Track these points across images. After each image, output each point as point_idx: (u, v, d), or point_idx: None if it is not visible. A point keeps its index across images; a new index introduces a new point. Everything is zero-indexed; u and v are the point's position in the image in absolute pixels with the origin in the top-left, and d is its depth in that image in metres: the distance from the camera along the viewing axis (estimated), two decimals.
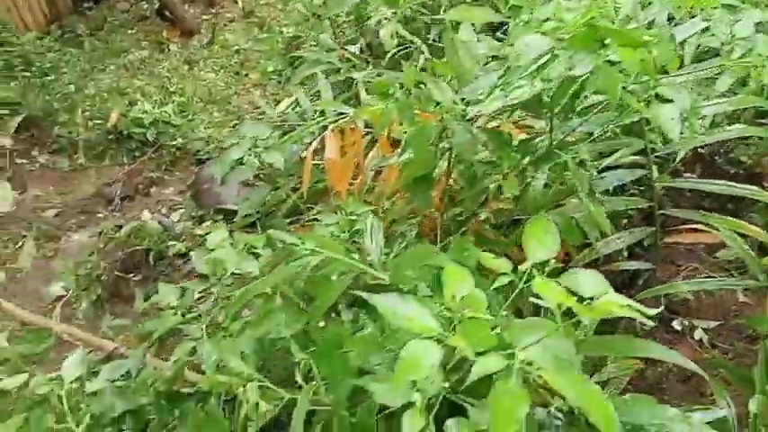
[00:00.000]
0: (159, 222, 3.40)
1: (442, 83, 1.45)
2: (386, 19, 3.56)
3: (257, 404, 1.44)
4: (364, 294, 1.06)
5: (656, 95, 1.21)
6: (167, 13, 5.92)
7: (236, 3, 6.19)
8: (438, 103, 1.48)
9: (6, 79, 4.79)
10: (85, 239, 3.74)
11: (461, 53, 1.41)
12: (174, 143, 4.47)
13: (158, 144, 4.48)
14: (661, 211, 1.97)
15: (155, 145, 4.48)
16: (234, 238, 1.75)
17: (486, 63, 1.47)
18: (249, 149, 2.19)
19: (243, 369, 1.46)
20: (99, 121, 4.48)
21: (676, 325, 2.30)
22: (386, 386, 1.03)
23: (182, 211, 3.78)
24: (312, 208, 2.53)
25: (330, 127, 1.95)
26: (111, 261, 3.23)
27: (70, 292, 3.27)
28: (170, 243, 3.30)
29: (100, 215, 4.00)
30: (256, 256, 1.71)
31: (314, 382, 1.38)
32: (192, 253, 3.36)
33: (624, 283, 2.19)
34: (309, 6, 4.82)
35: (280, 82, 5.17)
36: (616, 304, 0.83)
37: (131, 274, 3.21)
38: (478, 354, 0.95)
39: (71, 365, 1.86)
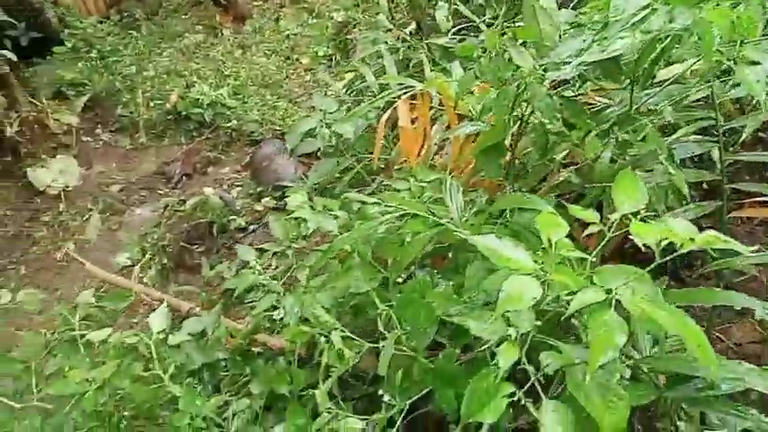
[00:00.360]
0: (221, 198, 3.54)
1: (522, 48, 1.50)
2: (442, 0, 3.61)
3: (340, 352, 1.53)
4: (466, 235, 1.12)
5: (742, 58, 1.24)
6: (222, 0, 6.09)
7: None
8: (517, 68, 1.53)
9: (73, 61, 5.03)
10: (148, 214, 3.92)
11: (542, 18, 1.45)
12: (229, 124, 4.62)
13: (215, 125, 4.64)
14: (729, 185, 1.98)
15: (211, 126, 4.64)
16: (313, 202, 1.84)
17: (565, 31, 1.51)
18: (320, 121, 2.29)
19: (327, 318, 1.55)
20: (159, 102, 4.66)
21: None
22: (481, 323, 1.09)
23: (239, 188, 3.92)
24: (374, 180, 2.61)
25: (402, 98, 2.01)
26: (176, 233, 3.39)
27: (139, 263, 3.44)
28: (231, 217, 3.44)
29: (160, 192, 4.19)
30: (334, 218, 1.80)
31: (395, 331, 1.46)
32: (251, 226, 3.51)
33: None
34: None
35: (330, 66, 5.27)
36: (717, 238, 0.88)
37: (195, 246, 3.37)
38: (570, 293, 1.02)
39: (156, 319, 1.99)
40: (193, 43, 5.68)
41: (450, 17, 3.60)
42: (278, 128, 4.59)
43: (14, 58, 4.11)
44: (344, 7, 5.39)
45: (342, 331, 1.56)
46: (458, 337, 1.47)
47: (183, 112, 4.60)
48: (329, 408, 1.49)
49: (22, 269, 3.65)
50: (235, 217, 3.45)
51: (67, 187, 4.11)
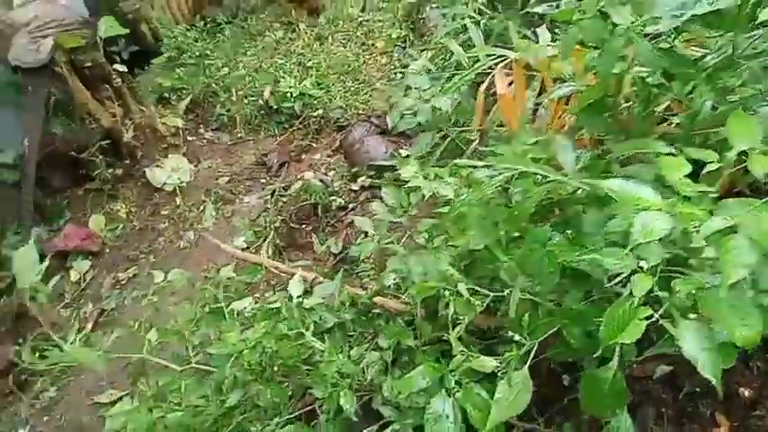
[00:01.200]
0: (321, 180, 3.81)
1: (619, 5, 1.58)
2: None
3: (469, 301, 1.69)
4: (591, 182, 1.25)
5: None
6: None
7: None
8: (615, 26, 1.61)
9: (170, 68, 5.47)
10: (255, 201, 4.26)
11: None
12: (316, 114, 4.88)
13: (304, 115, 4.92)
14: None
15: (300, 116, 4.93)
16: (425, 170, 2.01)
17: None
18: (419, 98, 2.45)
19: (453, 272, 1.72)
20: (252, 98, 5.00)
21: None
22: (613, 259, 1.21)
23: (334, 171, 4.17)
24: (467, 149, 2.73)
25: (498, 67, 2.13)
26: (284, 215, 3.69)
27: (254, 245, 3.77)
28: (331, 198, 3.69)
29: (263, 180, 4.53)
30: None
31: (520, 277, 1.60)
32: (350, 204, 3.74)
33: None
34: None
35: (404, 47, 5.41)
36: None
37: (303, 225, 3.66)
38: (697, 225, 1.12)
39: (294, 286, 2.25)
40: (274, 40, 5.98)
41: None
42: (361, 112, 4.81)
43: (125, 70, 4.56)
44: None
45: (466, 284, 1.73)
46: (578, 281, 1.59)
47: (275, 106, 4.92)
48: (461, 350, 1.66)
49: (151, 257, 4.10)
50: (335, 197, 3.70)
51: (182, 183, 4.53)
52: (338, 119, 4.82)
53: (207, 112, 5.13)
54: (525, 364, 1.50)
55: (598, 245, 1.43)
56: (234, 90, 5.11)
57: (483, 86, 2.22)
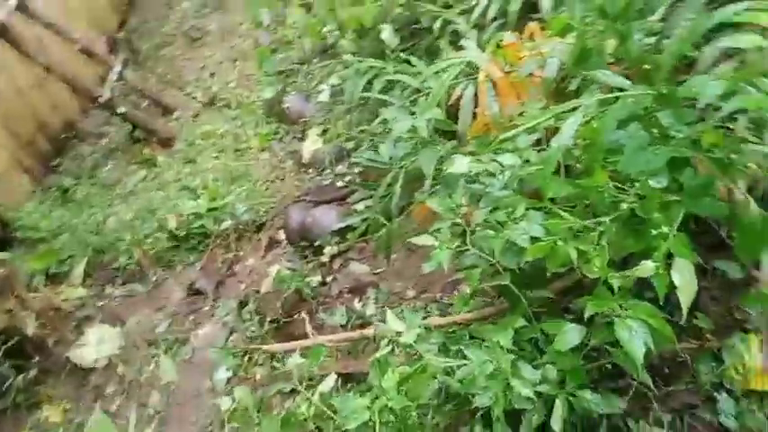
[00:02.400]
0: (288, 268, 3.61)
1: None
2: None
3: None
4: None
5: None
6: (140, 134, 6.10)
7: (194, 98, 6.45)
8: None
9: (36, 247, 4.81)
10: (212, 329, 3.87)
11: None
12: (227, 225, 4.64)
13: (214, 232, 4.63)
14: None
15: (211, 234, 4.62)
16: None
17: None
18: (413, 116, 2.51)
19: None
20: (154, 235, 4.60)
21: None
22: None
23: (290, 260, 3.96)
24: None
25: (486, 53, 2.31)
26: (271, 315, 3.39)
27: (241, 368, 3.37)
28: (307, 279, 3.51)
29: (206, 308, 4.12)
30: None
31: None
32: (328, 278, 3.56)
33: None
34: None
35: (281, 138, 5.45)
36: None
37: (296, 316, 3.38)
38: None
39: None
40: (138, 180, 5.62)
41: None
42: (273, 206, 4.69)
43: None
44: (269, 83, 5.65)
45: None
46: None
47: (183, 233, 4.58)
48: None
49: None
50: (310, 277, 3.51)
51: (115, 351, 3.92)
52: (253, 220, 4.64)
53: (107, 269, 4.58)
54: None
55: None
56: (129, 236, 4.66)
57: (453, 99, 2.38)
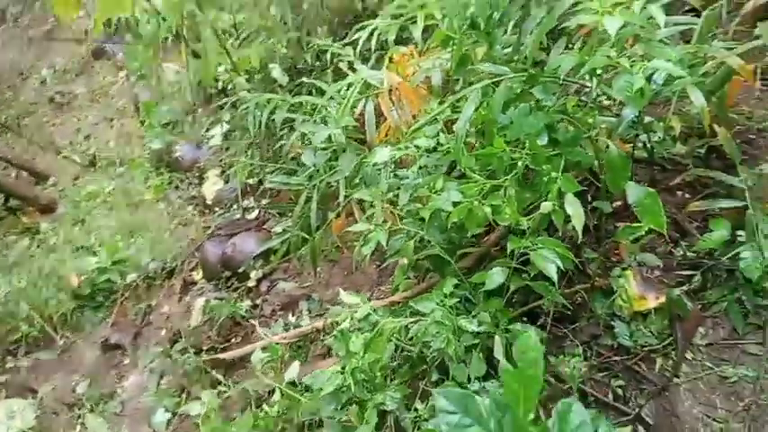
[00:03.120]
0: (215, 298, 3.65)
1: None
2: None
3: None
4: None
5: None
6: (15, 203, 5.73)
7: (75, 160, 6.21)
8: None
9: None
10: (139, 379, 3.75)
11: None
12: (133, 277, 4.54)
13: (119, 284, 4.51)
14: None
15: (117, 290, 4.50)
16: None
17: None
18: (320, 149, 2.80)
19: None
20: (56, 297, 4.36)
21: None
22: None
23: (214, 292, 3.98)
24: None
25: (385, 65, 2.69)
26: (206, 345, 3.38)
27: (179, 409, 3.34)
28: (238, 305, 3.58)
29: (126, 362, 3.99)
30: None
31: None
32: (258, 300, 3.66)
33: None
34: None
35: (177, 187, 5.46)
36: None
37: (232, 340, 3.42)
38: None
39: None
40: (22, 250, 5.26)
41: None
42: (179, 249, 4.68)
43: None
44: (156, 135, 5.66)
45: None
46: None
47: (88, 291, 4.39)
48: None
49: None
50: (240, 303, 3.59)
51: (30, 424, 3.64)
52: (162, 268, 4.59)
53: (5, 340, 4.23)
54: None
55: None
56: (26, 304, 4.36)
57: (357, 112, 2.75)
